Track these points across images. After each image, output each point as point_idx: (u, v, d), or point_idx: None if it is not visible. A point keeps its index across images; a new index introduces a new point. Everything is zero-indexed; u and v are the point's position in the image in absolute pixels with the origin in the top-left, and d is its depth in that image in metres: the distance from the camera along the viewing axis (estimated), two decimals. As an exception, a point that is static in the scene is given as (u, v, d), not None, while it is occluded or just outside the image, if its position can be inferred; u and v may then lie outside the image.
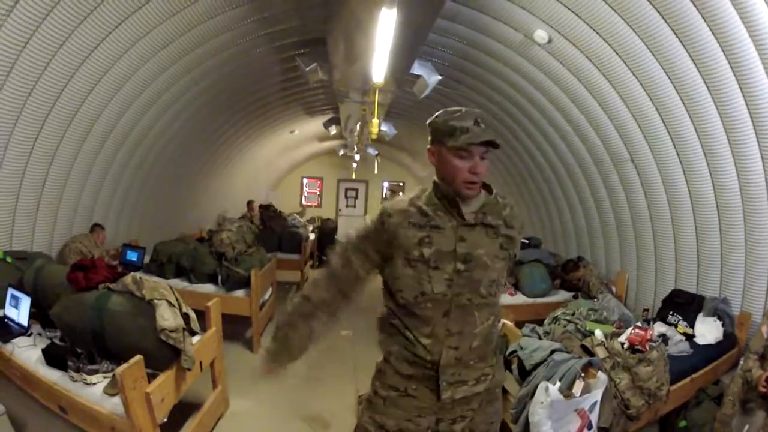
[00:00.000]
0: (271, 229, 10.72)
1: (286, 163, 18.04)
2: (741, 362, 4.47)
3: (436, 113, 2.21)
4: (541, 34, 5.77)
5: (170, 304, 3.78)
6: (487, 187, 2.31)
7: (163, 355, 3.57)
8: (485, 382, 2.33)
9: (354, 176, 19.71)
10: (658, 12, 4.59)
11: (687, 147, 5.42)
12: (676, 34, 4.66)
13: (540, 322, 5.12)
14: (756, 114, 4.54)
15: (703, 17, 4.31)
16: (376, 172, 18.20)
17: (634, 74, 5.43)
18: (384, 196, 19.29)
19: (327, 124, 12.05)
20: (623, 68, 5.47)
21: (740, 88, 4.51)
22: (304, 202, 20.26)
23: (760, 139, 4.65)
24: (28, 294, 4.24)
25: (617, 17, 4.97)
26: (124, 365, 3.02)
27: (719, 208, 5.41)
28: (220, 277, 6.41)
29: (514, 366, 4.31)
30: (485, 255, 2.19)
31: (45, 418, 3.83)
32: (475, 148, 2.07)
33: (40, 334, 4.14)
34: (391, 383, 2.34)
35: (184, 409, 4.00)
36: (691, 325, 5.45)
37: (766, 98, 4.39)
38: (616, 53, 5.38)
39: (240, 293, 6.41)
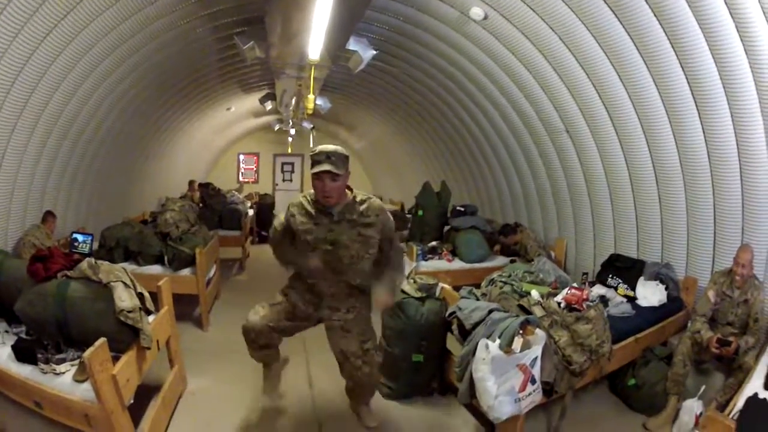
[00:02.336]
0: (211, 207, 10.67)
1: (223, 141, 17.80)
2: (689, 324, 4.78)
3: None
4: (476, 11, 5.88)
5: (126, 285, 3.83)
6: (351, 189, 3.51)
7: (124, 337, 3.63)
8: (353, 312, 3.77)
9: (290, 150, 19.59)
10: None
11: (623, 117, 5.60)
12: (609, 6, 4.78)
13: (478, 287, 5.31)
14: (694, 81, 4.65)
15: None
16: (311, 145, 18.13)
17: (568, 48, 5.58)
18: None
19: (263, 100, 11.98)
20: (558, 42, 5.62)
21: (677, 56, 4.62)
22: (241, 179, 20.04)
23: (699, 106, 4.78)
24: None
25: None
26: (90, 349, 3.05)
27: (657, 175, 5.63)
28: (166, 258, 6.42)
29: (454, 326, 4.52)
30: (346, 239, 3.43)
31: (23, 419, 3.86)
32: (323, 175, 3.23)
33: (7, 331, 4.07)
34: (298, 285, 3.83)
35: (144, 392, 4.04)
36: (632, 289, 5.70)
37: (703, 65, 4.47)
38: (551, 28, 5.52)
39: (186, 272, 6.45)
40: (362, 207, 3.44)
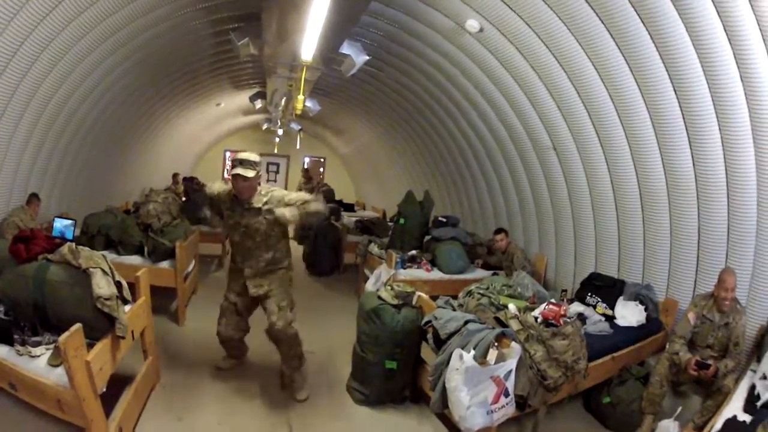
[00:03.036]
0: (195, 201, 10.55)
1: (210, 137, 17.78)
2: (667, 345, 4.78)
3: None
4: (472, 23, 5.92)
5: (104, 272, 3.78)
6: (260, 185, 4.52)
7: (100, 324, 3.59)
8: (274, 282, 4.66)
9: (276, 150, 19.59)
10: (589, 5, 4.73)
11: (611, 136, 5.63)
12: (606, 28, 4.82)
13: (456, 298, 5.31)
14: (685, 103, 4.68)
15: (632, 6, 4.42)
16: (298, 147, 18.15)
17: (561, 66, 5.62)
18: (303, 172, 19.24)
19: (253, 98, 11.96)
20: (551, 59, 5.65)
21: (670, 78, 4.65)
22: (226, 176, 20.00)
23: (688, 127, 4.80)
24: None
25: (547, 9, 5.12)
26: (66, 334, 3.02)
27: (642, 195, 5.64)
28: (146, 249, 6.38)
29: (430, 335, 4.54)
30: (254, 222, 4.44)
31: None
32: (237, 176, 4.25)
33: (-16, 310, 4.00)
34: (231, 276, 4.89)
35: (117, 382, 4.00)
36: (611, 308, 5.71)
37: (696, 87, 4.48)
38: (545, 45, 5.57)
39: (165, 265, 6.41)
40: (265, 198, 4.43)
